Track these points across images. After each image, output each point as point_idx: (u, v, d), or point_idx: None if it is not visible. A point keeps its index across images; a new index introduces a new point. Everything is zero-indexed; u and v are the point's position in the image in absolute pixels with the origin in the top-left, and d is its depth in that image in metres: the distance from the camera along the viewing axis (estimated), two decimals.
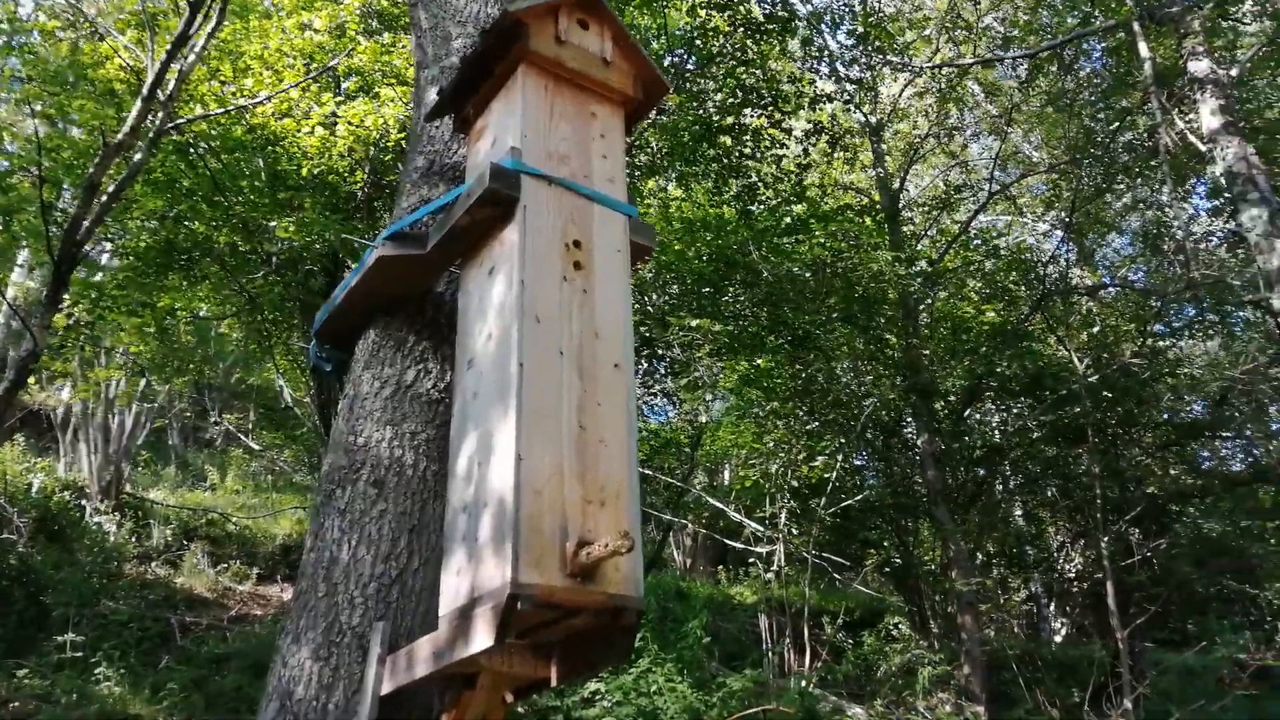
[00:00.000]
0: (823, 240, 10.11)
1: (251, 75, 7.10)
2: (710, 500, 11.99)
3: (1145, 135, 11.72)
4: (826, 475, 10.38)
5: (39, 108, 6.49)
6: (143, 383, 10.17)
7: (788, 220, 10.37)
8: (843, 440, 10.64)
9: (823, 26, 12.45)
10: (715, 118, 9.35)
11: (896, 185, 12.91)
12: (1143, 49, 8.71)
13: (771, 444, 10.85)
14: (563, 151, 2.40)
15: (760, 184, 9.91)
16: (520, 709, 5.90)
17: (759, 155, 9.60)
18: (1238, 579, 12.59)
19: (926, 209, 13.20)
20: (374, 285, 2.53)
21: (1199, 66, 8.65)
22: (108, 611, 6.38)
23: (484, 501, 2.06)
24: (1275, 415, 12.70)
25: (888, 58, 12.32)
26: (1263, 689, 9.39)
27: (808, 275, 9.69)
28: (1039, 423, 11.50)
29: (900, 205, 12.76)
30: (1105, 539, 10.59)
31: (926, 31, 13.32)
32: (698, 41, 9.34)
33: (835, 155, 10.58)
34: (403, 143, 6.94)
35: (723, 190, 9.81)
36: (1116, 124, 12.13)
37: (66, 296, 7.49)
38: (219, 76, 7.13)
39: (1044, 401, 11.25)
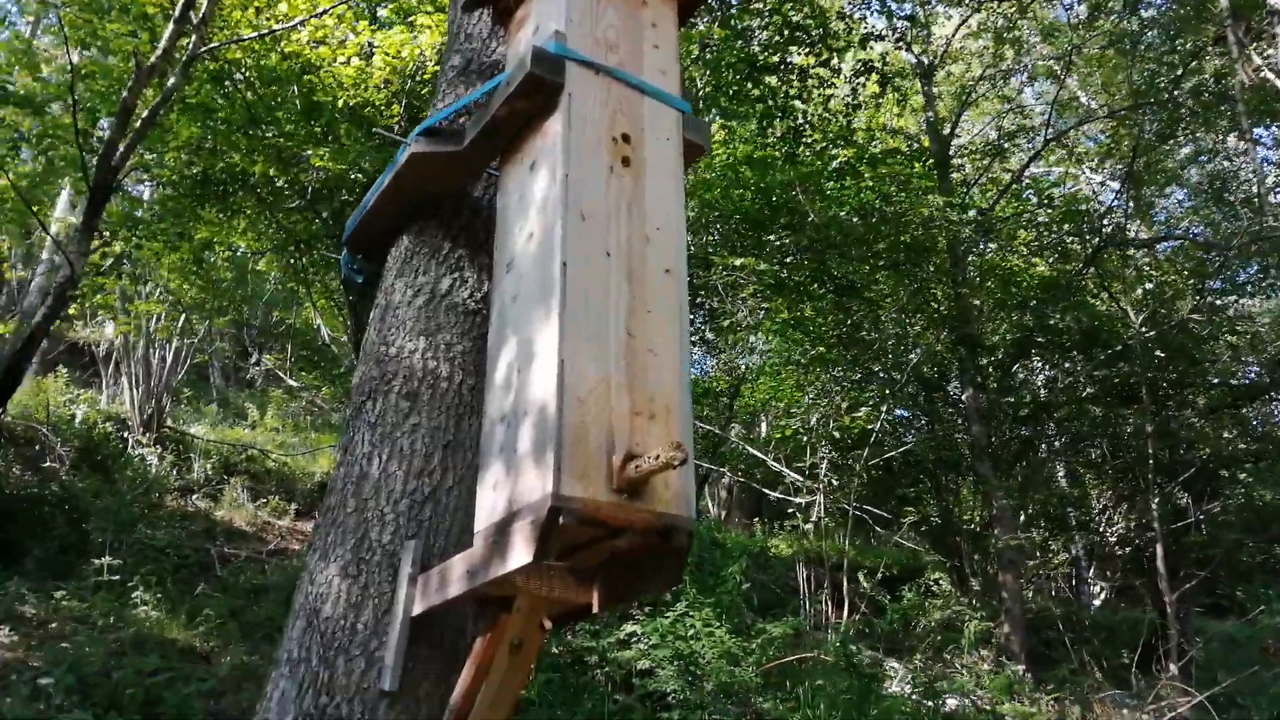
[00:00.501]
0: (871, 184, 9.76)
1: (286, 0, 6.92)
2: (749, 449, 11.83)
3: (1213, 80, 11.12)
4: (869, 427, 10.15)
5: (71, 34, 6.36)
6: (182, 318, 10.19)
7: (834, 164, 10.03)
8: (887, 391, 10.39)
9: None
10: (760, 55, 9.00)
11: (947, 131, 12.43)
12: None
13: (814, 392, 10.64)
14: (611, 39, 2.20)
15: (807, 125, 9.56)
16: (555, 649, 5.84)
17: (806, 95, 9.25)
18: None
19: (978, 155, 12.70)
20: (407, 186, 2.36)
21: None
22: (145, 538, 6.42)
23: (524, 410, 1.90)
24: None
25: None
26: None
27: (855, 220, 9.36)
28: (1090, 378, 11.15)
29: (950, 152, 12.31)
30: (1156, 501, 10.31)
31: None
32: None
33: (885, 96, 10.16)
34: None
35: (767, 132, 9.49)
36: (1182, 68, 11.52)
37: (104, 229, 7.47)
38: (254, 2, 6.96)
39: (1095, 358, 10.90)
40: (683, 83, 9.04)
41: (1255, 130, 12.12)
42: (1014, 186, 12.23)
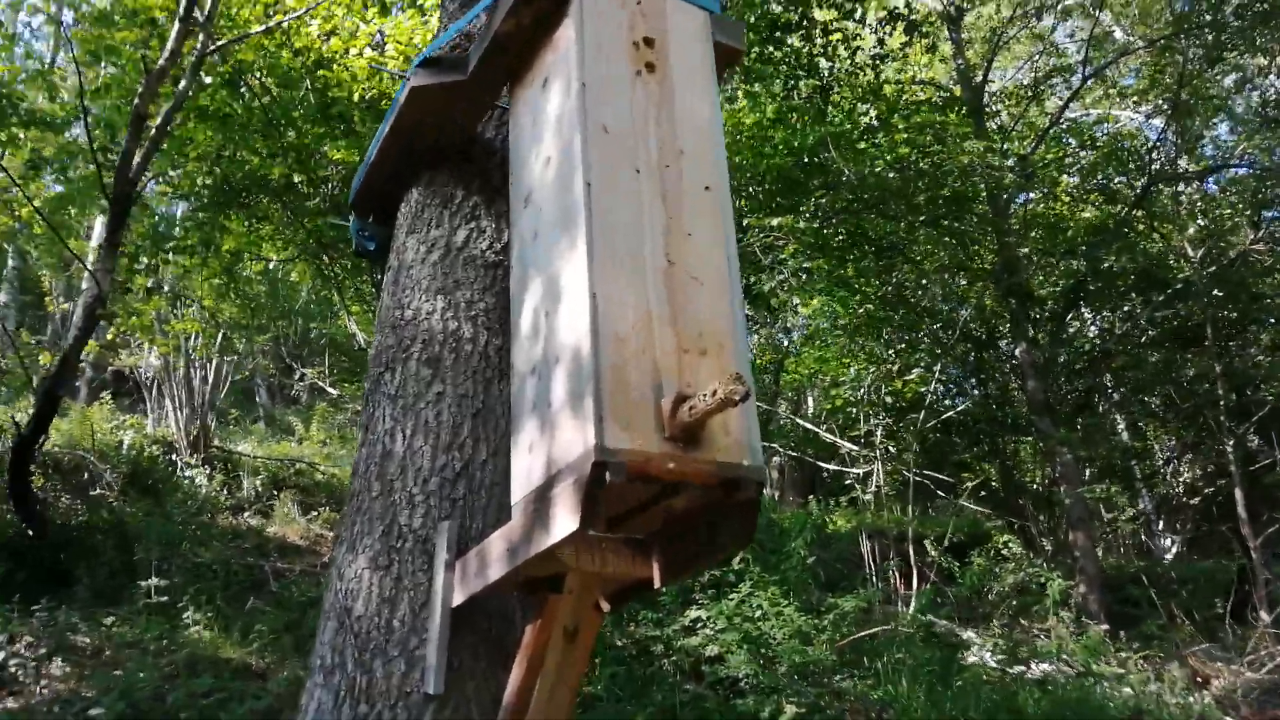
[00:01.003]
0: (906, 136, 9.37)
1: None
2: (800, 422, 11.50)
3: None
4: (921, 390, 9.78)
5: (80, 49, 6.28)
6: (219, 335, 10.16)
7: (865, 120, 9.65)
8: (938, 351, 10.00)
9: None
10: (781, 14, 8.66)
11: (979, 79, 11.94)
12: None
13: (863, 357, 10.28)
14: None
15: (835, 83, 9.21)
16: (619, 641, 5.60)
17: (830, 51, 8.91)
18: None
19: (1014, 100, 12.18)
20: (409, 125, 2.11)
21: None
22: (193, 556, 6.32)
23: (555, 357, 1.64)
24: None
25: None
26: None
27: (891, 175, 8.98)
28: (1150, 322, 10.66)
29: (984, 100, 11.82)
30: (1231, 444, 9.81)
31: None
32: None
33: (912, 44, 9.73)
34: None
35: (793, 94, 9.15)
36: None
37: (133, 247, 7.41)
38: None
39: (1153, 300, 10.41)
40: None
41: None
42: (1053, 130, 11.73)
